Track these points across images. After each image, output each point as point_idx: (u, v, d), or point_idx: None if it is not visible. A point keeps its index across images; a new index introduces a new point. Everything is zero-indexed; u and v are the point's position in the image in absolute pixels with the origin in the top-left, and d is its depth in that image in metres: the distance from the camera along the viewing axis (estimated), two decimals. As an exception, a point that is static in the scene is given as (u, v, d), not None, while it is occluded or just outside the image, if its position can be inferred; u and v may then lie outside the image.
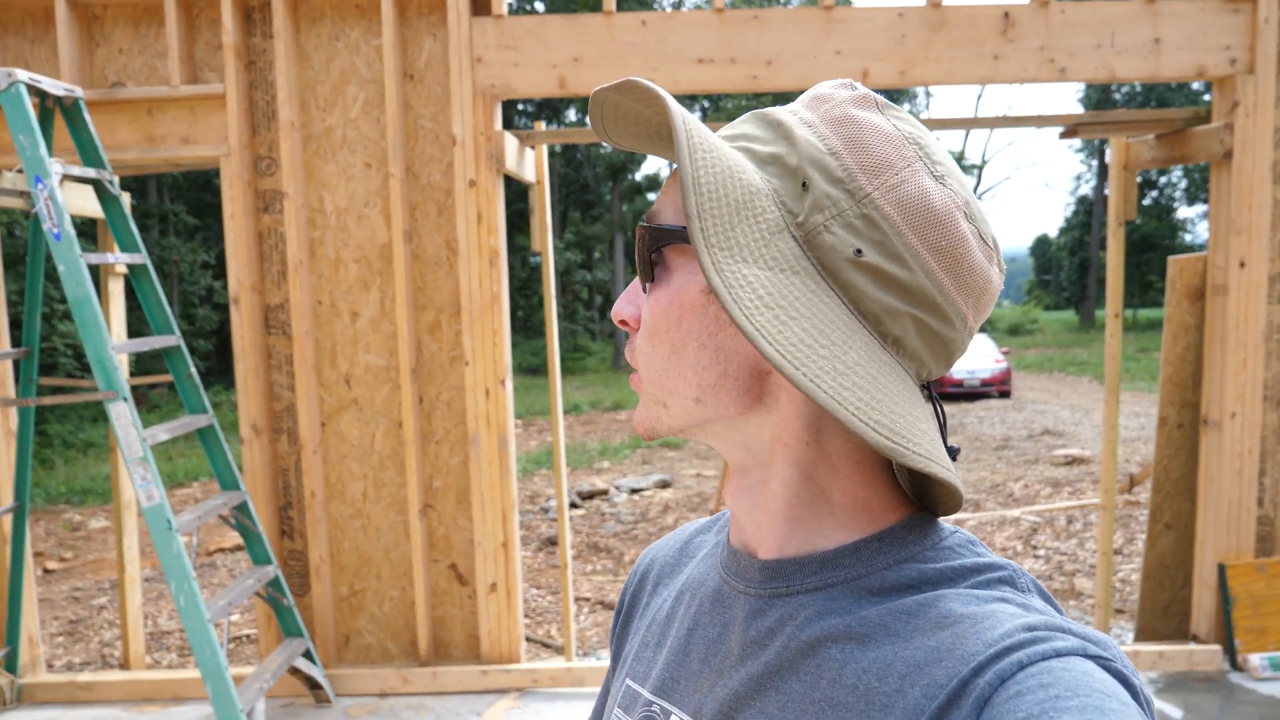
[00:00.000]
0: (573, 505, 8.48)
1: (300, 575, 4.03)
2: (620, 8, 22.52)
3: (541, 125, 4.23)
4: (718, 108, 26.52)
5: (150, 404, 14.92)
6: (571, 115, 26.89)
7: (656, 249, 0.64)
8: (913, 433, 0.59)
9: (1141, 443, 10.58)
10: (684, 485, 9.34)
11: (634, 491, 9.08)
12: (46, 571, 7.19)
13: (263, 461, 3.94)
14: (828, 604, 0.63)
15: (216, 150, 3.77)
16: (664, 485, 9.32)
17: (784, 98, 24.76)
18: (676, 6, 27.72)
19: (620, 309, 0.68)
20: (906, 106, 35.82)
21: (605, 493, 8.92)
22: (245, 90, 3.79)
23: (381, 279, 3.92)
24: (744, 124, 0.65)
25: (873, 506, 0.65)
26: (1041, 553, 6.54)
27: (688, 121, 0.58)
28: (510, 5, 24.24)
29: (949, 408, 14.87)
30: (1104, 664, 0.53)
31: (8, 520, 3.89)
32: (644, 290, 0.67)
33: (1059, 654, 0.53)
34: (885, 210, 0.59)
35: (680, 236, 0.63)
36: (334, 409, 3.98)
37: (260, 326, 3.93)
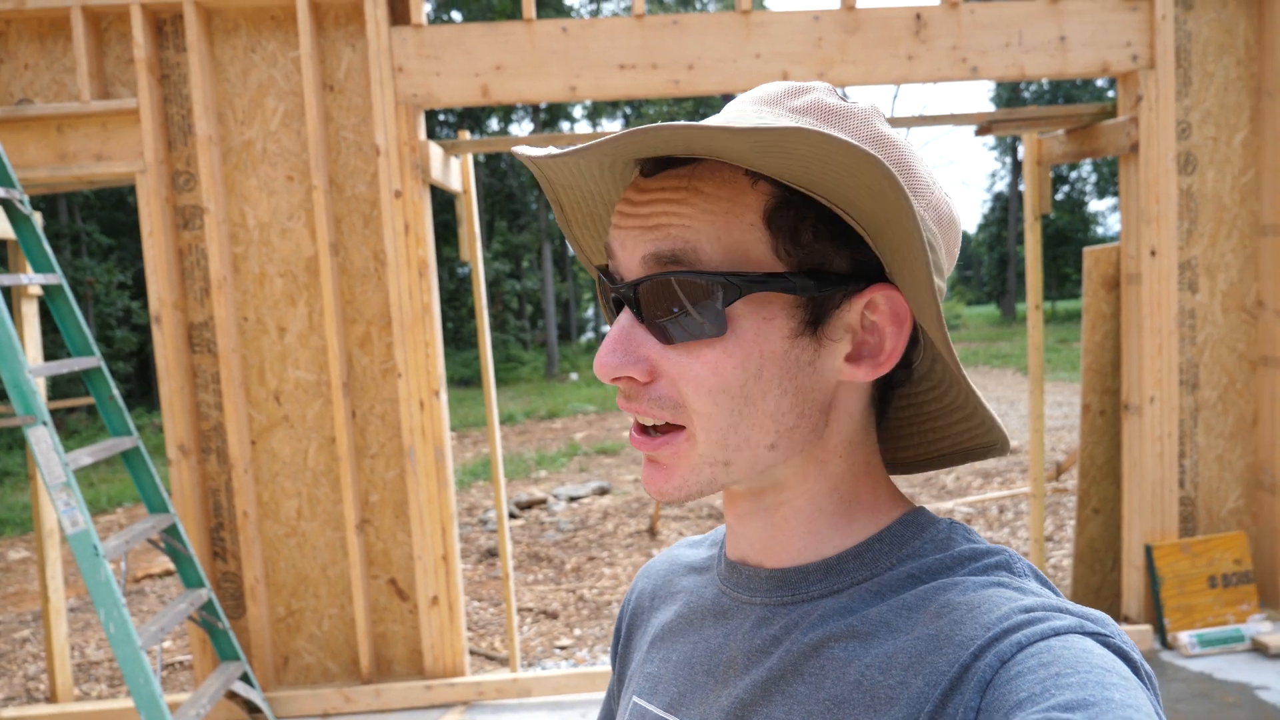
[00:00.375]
0: (511, 515, 8.44)
1: (235, 597, 3.95)
2: (540, 15, 22.55)
3: (466, 134, 4.22)
4: (639, 113, 26.67)
5: (69, 429, 14.40)
6: (494, 124, 26.76)
7: (730, 302, 0.59)
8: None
9: (1066, 431, 10.93)
10: (623, 491, 9.36)
11: (572, 499, 9.07)
12: (-37, 608, 6.90)
13: (192, 482, 3.85)
14: (832, 608, 0.64)
15: (131, 166, 3.68)
16: (602, 492, 9.33)
17: (705, 102, 25.04)
18: (595, 14, 27.83)
19: (622, 366, 0.61)
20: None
21: (544, 502, 8.89)
22: (159, 105, 3.71)
23: (309, 293, 3.87)
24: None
25: (877, 505, 0.67)
26: (974, 541, 6.71)
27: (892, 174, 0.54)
28: (428, 15, 24.07)
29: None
30: (1102, 640, 0.54)
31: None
32: (665, 341, 0.61)
33: (1057, 633, 0.53)
34: (934, 230, 0.62)
35: (762, 285, 0.59)
36: (264, 426, 3.92)
37: (184, 345, 3.85)
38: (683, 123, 0.52)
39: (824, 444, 0.65)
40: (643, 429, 0.64)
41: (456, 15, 24.63)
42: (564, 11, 25.29)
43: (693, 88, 3.89)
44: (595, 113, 28.93)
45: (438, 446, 3.91)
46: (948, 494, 8.32)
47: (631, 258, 0.61)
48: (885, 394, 0.69)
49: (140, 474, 3.55)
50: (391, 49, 3.72)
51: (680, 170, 0.61)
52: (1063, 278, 34.61)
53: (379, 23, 3.68)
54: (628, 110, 27.42)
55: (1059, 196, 33.69)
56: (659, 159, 0.62)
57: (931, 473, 9.06)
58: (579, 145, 0.57)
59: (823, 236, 0.60)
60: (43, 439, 3.02)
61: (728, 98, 4.72)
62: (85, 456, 3.20)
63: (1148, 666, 0.55)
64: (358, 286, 3.88)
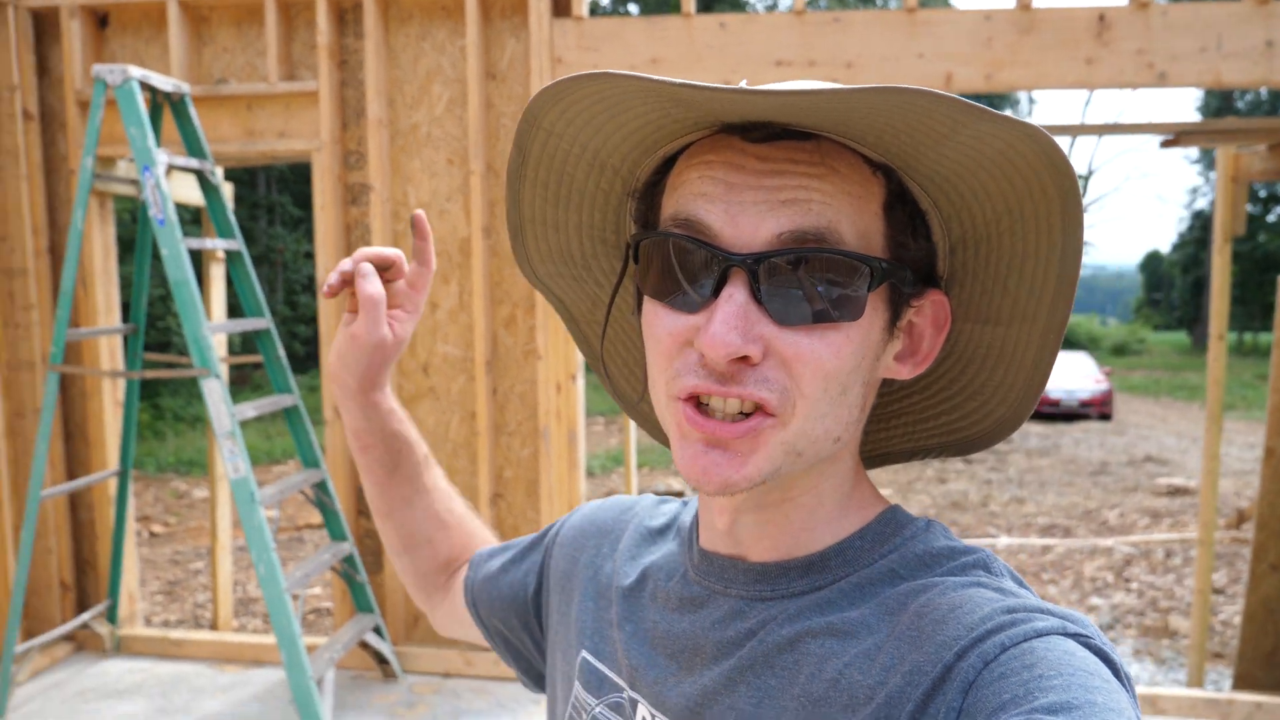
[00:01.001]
0: (649, 502, 8.54)
1: (374, 554, 4.20)
2: (713, 9, 22.51)
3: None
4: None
5: (254, 384, 15.60)
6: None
7: (875, 286, 0.59)
8: None
9: (1255, 476, 10.08)
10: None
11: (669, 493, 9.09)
12: (152, 535, 7.64)
13: (343, 443, 4.11)
14: (811, 603, 0.64)
15: (309, 144, 3.96)
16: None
17: None
18: (772, 8, 27.54)
19: (739, 345, 0.57)
20: (1007, 111, 34.65)
21: (680, 494, 8.97)
22: (337, 88, 3.97)
23: (460, 272, 4.05)
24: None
25: (861, 501, 0.68)
26: (1135, 586, 6.30)
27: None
28: (604, 8, 24.47)
29: (1043, 428, 14.41)
30: (1084, 642, 0.53)
31: (113, 484, 4.15)
32: (783, 323, 0.58)
33: (1040, 634, 0.53)
34: None
35: (892, 275, 0.60)
36: (411, 396, 4.13)
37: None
38: (932, 90, 0.50)
39: (847, 439, 0.65)
40: (702, 410, 0.60)
41: (633, 8, 24.95)
42: (739, 6, 25.17)
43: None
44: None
45: (571, 429, 4.02)
46: (1109, 530, 7.84)
47: (753, 233, 0.57)
48: None
49: (298, 430, 3.82)
50: (552, 40, 3.84)
51: (806, 144, 0.59)
52: (1267, 307, 31.77)
53: (542, 15, 3.80)
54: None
55: (1271, 218, 30.90)
56: (774, 128, 0.59)
57: (1093, 506, 8.56)
58: (802, 88, 0.52)
59: (919, 235, 0.62)
60: (214, 390, 3.30)
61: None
62: (249, 410, 3.48)
63: (1127, 669, 0.54)
64: (506, 269, 4.03)
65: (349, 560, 3.90)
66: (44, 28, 4.09)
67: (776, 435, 0.59)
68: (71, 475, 4.22)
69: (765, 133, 0.58)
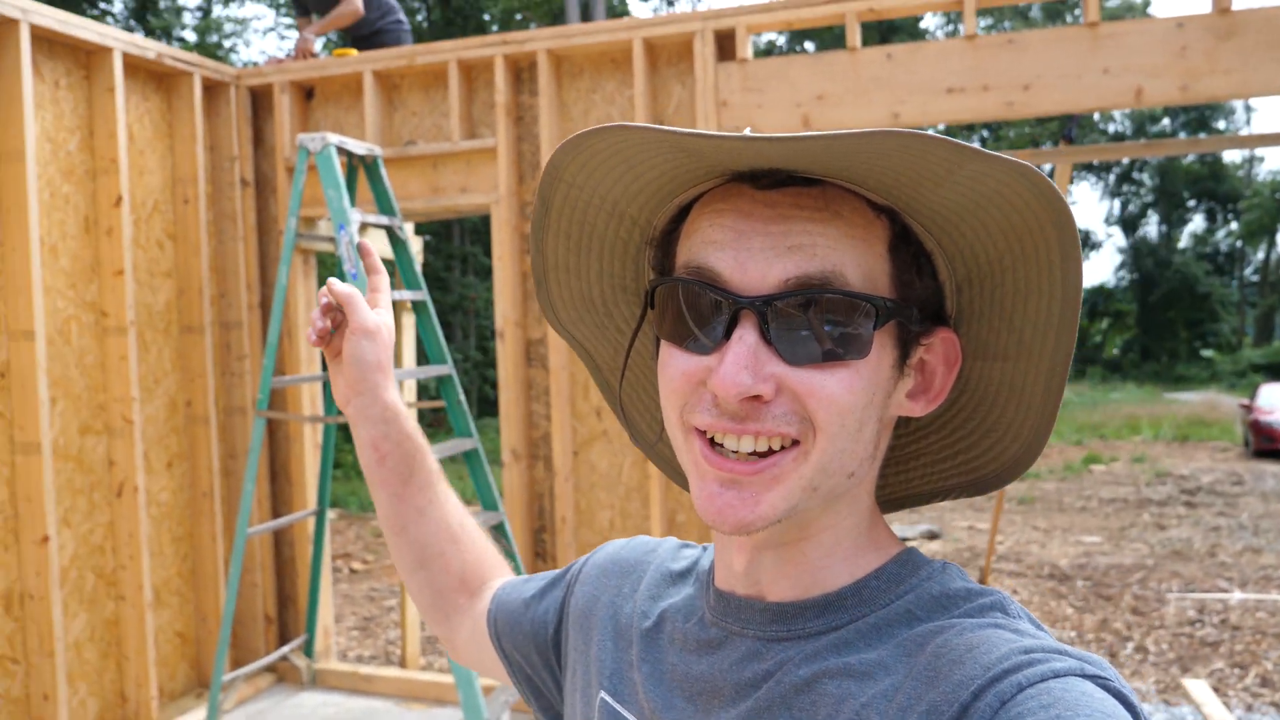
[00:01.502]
0: (830, 547, 8.31)
1: (550, 593, 4.28)
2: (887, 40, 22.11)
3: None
4: (997, 134, 25.23)
5: (449, 426, 16.42)
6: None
7: (880, 324, 0.60)
8: None
9: None
10: (954, 538, 8.86)
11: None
12: (352, 571, 8.13)
13: (521, 485, 4.24)
14: (828, 644, 0.64)
15: (488, 198, 4.16)
16: (932, 536, 8.91)
17: (1052, 124, 23.03)
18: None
19: (753, 385, 0.59)
20: (1222, 124, 32.08)
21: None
22: (514, 143, 4.16)
23: (630, 315, 4.11)
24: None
25: (880, 544, 0.69)
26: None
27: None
28: (780, 48, 24.51)
29: (1274, 466, 12.99)
30: (1102, 683, 0.53)
31: (311, 523, 4.45)
32: (793, 362, 0.60)
33: (1057, 674, 0.53)
34: None
35: (898, 314, 0.62)
36: (585, 439, 4.22)
37: (522, 359, 4.25)
38: (926, 133, 0.52)
39: (863, 477, 0.66)
40: (717, 450, 0.62)
41: (810, 45, 24.91)
42: (918, 36, 24.63)
43: (1029, 109, 3.64)
44: (948, 136, 27.80)
45: (741, 470, 3.97)
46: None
47: (760, 277, 0.60)
48: None
49: (477, 473, 3.98)
50: (717, 84, 3.87)
51: (811, 190, 0.61)
52: None
53: (706, 60, 3.85)
54: (985, 133, 26.05)
55: None
56: (780, 175, 0.62)
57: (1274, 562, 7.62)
58: (795, 135, 0.54)
59: (925, 274, 0.64)
60: (399, 433, 3.49)
61: (1068, 118, 4.35)
62: (433, 453, 3.65)
63: (1145, 712, 0.54)
64: (675, 310, 4.06)
65: (526, 598, 3.99)
66: (259, 102, 4.53)
67: (797, 470, 0.61)
68: (276, 514, 4.56)
69: (772, 180, 0.61)
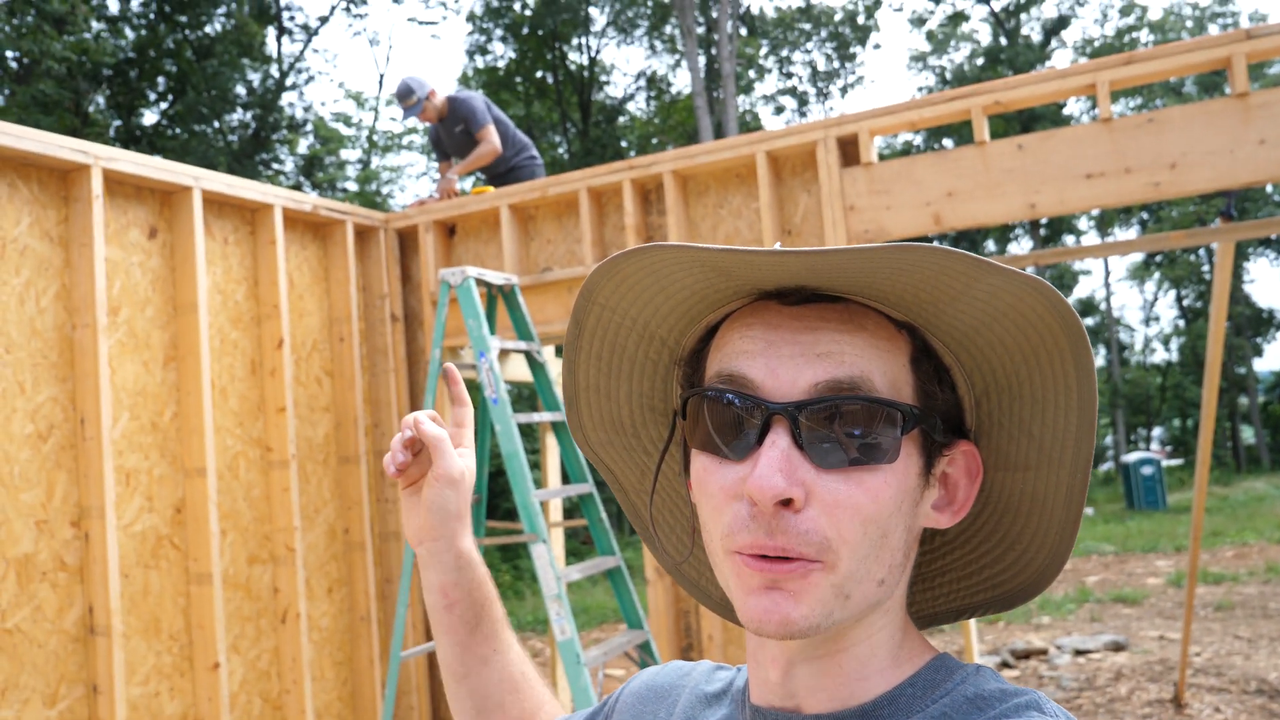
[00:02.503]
0: (1004, 664, 7.74)
1: (702, 716, 4.14)
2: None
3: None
4: (1158, 217, 24.08)
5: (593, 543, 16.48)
6: (990, 245, 26.00)
7: (907, 431, 0.62)
8: None
9: None
10: (1142, 649, 8.10)
11: (1079, 653, 8.06)
12: (509, 696, 8.10)
13: (666, 603, 4.16)
14: None
15: (622, 316, 4.24)
16: (1117, 648, 8.16)
17: (1207, 199, 21.75)
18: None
19: (786, 488, 0.59)
20: None
21: (1044, 652, 8.03)
22: (645, 262, 4.25)
23: (769, 424, 4.06)
24: None
25: (912, 650, 0.69)
26: None
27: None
28: (917, 147, 24.43)
29: None
30: None
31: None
32: (823, 467, 0.61)
33: None
34: None
35: (921, 421, 0.64)
36: (729, 552, 4.13)
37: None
38: (950, 249, 0.55)
39: (895, 588, 0.67)
40: (760, 555, 0.62)
41: (948, 141, 24.73)
42: (1062, 123, 24.08)
43: (1177, 188, 3.46)
44: (1104, 222, 26.75)
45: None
46: None
47: (791, 383, 0.62)
48: None
49: (621, 591, 3.93)
50: (843, 189, 3.87)
51: (836, 305, 0.64)
52: None
53: (830, 167, 3.86)
54: (1145, 215, 24.91)
55: None
56: (806, 293, 0.65)
57: None
58: (817, 249, 0.58)
59: (945, 386, 0.67)
60: (541, 555, 3.51)
61: (1223, 194, 4.11)
62: (575, 573, 3.65)
63: None
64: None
65: (676, 723, 3.87)
66: (406, 242, 4.83)
67: (826, 579, 0.61)
68: (430, 637, 4.63)
69: (799, 296, 0.65)
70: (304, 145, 20.96)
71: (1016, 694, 0.63)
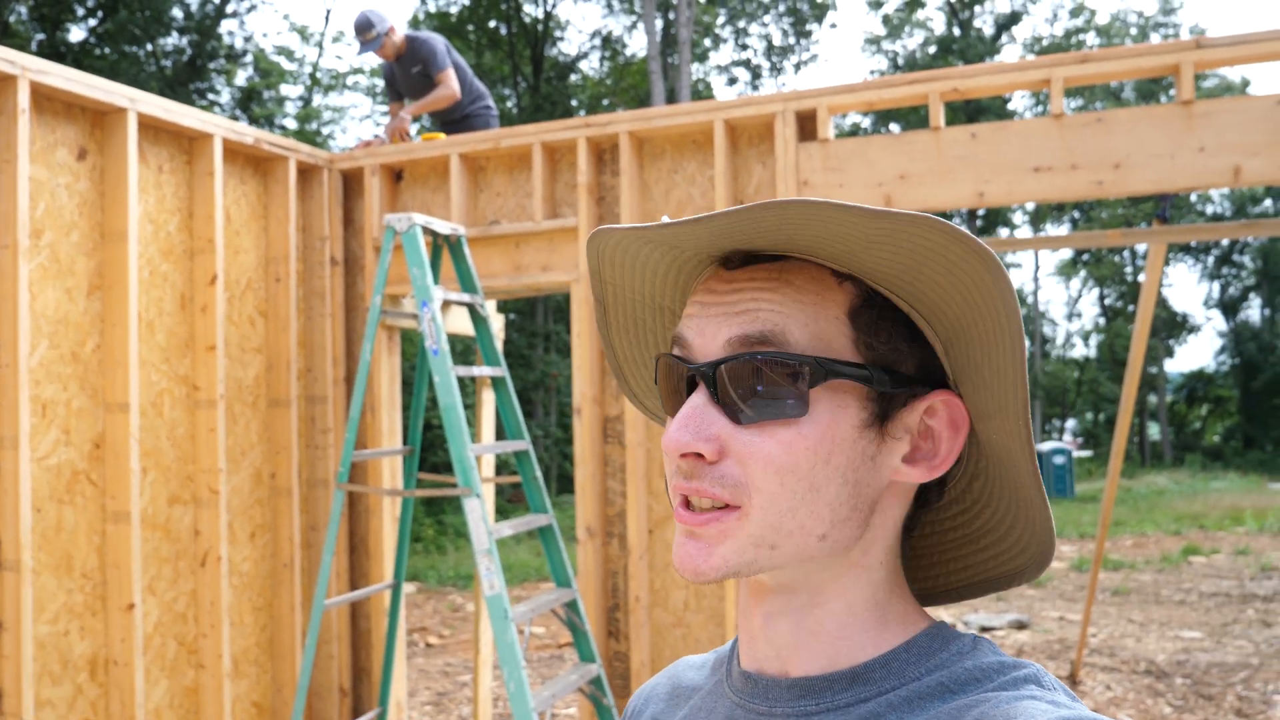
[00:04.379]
0: (915, 637, 7.99)
1: (623, 677, 4.18)
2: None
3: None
4: (1089, 217, 24.76)
5: (525, 502, 16.46)
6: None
7: (814, 384, 0.62)
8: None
9: None
10: (1043, 629, 8.44)
11: (984, 630, 8.37)
12: (428, 646, 8.10)
13: (595, 563, 4.18)
14: (859, 717, 0.64)
15: (568, 276, 4.21)
16: (1020, 626, 8.50)
17: (1145, 204, 22.48)
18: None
19: (689, 443, 0.62)
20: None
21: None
22: (595, 222, 4.22)
23: (708, 393, 4.08)
24: None
25: (906, 617, 0.68)
26: None
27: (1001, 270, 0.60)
28: (865, 129, 24.66)
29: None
30: None
31: (387, 596, 4.46)
32: (739, 422, 0.63)
33: None
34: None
35: (839, 373, 0.62)
36: (661, 517, 4.16)
37: (599, 436, 4.24)
38: (816, 199, 0.55)
39: (865, 546, 0.66)
40: (688, 506, 0.65)
41: (895, 126, 24.99)
42: (1006, 117, 24.52)
43: (1119, 188, 3.55)
44: (1037, 217, 27.39)
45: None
46: None
47: (712, 341, 0.64)
48: (913, 515, 0.70)
49: (551, 549, 3.94)
50: (798, 164, 3.88)
51: (770, 265, 0.66)
52: None
53: (787, 141, 3.87)
54: (1075, 213, 25.59)
55: None
56: (745, 255, 0.67)
57: None
58: (694, 217, 0.60)
59: (897, 338, 0.65)
60: (474, 509, 3.48)
61: (1160, 197, 4.23)
62: (506, 529, 3.64)
63: None
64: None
65: (596, 682, 3.90)
66: (350, 185, 4.71)
67: (742, 529, 0.62)
68: (354, 586, 4.59)
69: (738, 260, 0.67)
70: (242, 77, 20.21)
71: (1015, 666, 0.63)
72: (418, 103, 5.12)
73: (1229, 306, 35.04)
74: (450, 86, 5.07)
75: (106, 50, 17.21)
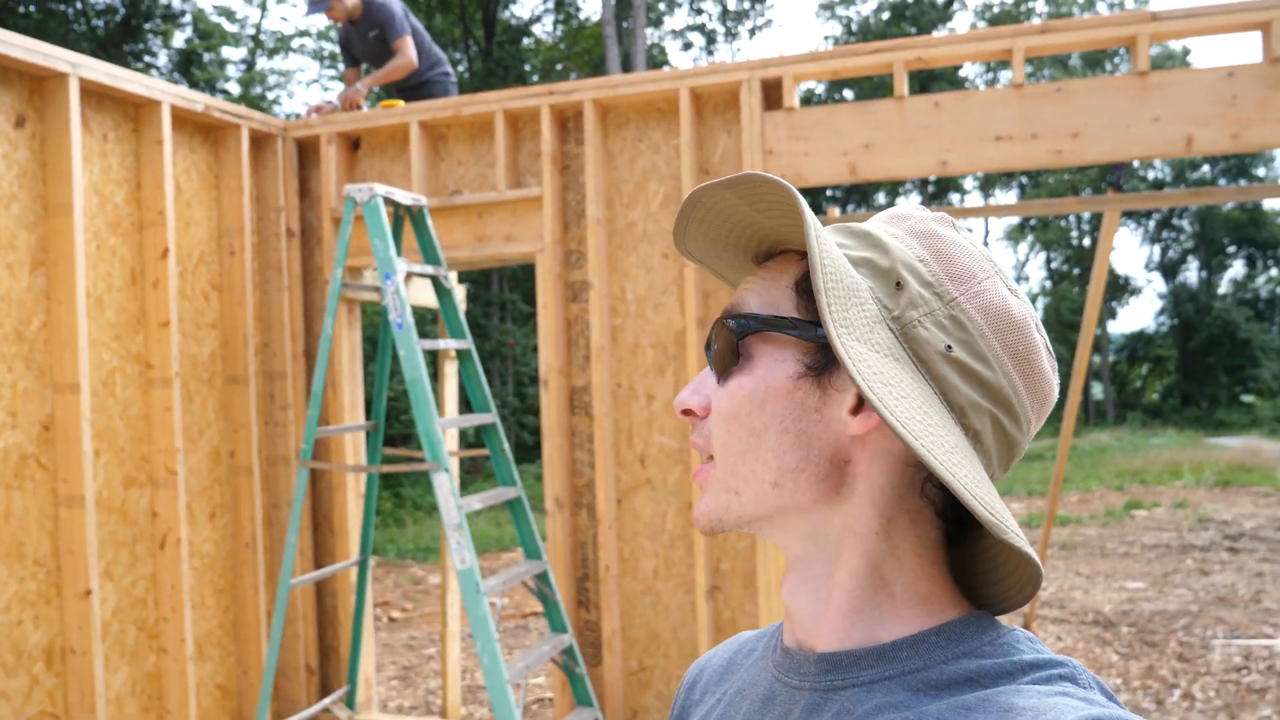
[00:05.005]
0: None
1: (594, 646, 4.20)
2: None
3: (835, 211, 4.24)
4: (1036, 183, 25.10)
5: (486, 474, 16.39)
6: (881, 199, 26.65)
7: (743, 336, 0.69)
8: (1007, 514, 0.63)
9: None
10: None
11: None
12: (391, 620, 8.06)
13: (564, 534, 4.18)
14: (885, 698, 0.63)
15: (533, 246, 4.15)
16: (975, 584, 8.72)
17: (1091, 171, 22.91)
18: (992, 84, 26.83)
19: (685, 400, 0.72)
20: (1262, 171, 31.78)
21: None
22: (559, 192, 4.16)
23: (675, 364, 4.07)
24: (829, 234, 0.71)
25: (933, 601, 0.67)
26: None
27: (808, 210, 0.64)
28: (819, 96, 24.67)
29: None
30: None
31: (354, 572, 4.41)
32: (717, 380, 0.71)
33: None
34: (970, 313, 0.66)
35: (770, 325, 0.68)
36: (629, 487, 4.16)
37: (566, 407, 4.22)
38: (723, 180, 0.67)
39: (853, 511, 0.67)
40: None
41: (849, 93, 25.03)
42: (959, 86, 24.68)
43: (1078, 157, 3.58)
44: (987, 184, 27.71)
45: (788, 522, 3.88)
46: None
47: None
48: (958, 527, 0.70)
49: (521, 522, 3.92)
50: (764, 133, 3.86)
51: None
52: None
53: (753, 109, 3.84)
54: (1024, 180, 25.93)
55: None
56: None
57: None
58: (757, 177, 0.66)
59: None
60: (443, 484, 3.45)
61: (1117, 166, 4.29)
62: (475, 502, 3.61)
63: None
64: (720, 359, 4.01)
65: (568, 652, 3.92)
66: (306, 154, 4.58)
67: (715, 476, 0.70)
68: (319, 564, 4.53)
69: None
70: (180, 39, 19.55)
71: (1052, 664, 0.62)
72: (374, 75, 4.98)
73: (1168, 269, 35.93)
74: (408, 54, 4.95)
75: (31, 8, 16.49)
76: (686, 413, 0.72)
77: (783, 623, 0.77)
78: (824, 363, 0.66)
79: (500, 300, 19.38)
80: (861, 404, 0.65)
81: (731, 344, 0.69)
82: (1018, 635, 0.65)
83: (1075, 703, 0.57)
